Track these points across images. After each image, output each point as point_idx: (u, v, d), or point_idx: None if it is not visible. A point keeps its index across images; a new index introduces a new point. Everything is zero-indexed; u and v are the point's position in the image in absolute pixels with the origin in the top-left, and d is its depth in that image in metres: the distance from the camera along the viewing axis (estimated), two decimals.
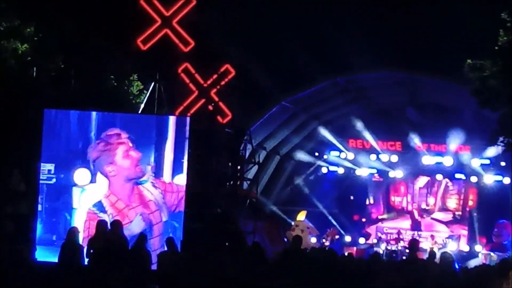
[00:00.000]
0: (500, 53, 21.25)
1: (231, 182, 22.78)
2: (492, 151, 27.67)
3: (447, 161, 30.37)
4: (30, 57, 20.16)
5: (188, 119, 18.66)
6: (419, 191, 32.33)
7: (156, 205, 17.14)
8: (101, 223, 14.28)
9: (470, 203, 31.45)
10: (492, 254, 27.78)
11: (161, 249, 15.55)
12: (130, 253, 13.78)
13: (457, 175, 30.93)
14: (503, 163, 28.59)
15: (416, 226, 31.89)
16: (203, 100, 22.80)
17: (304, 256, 14.48)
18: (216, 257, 15.95)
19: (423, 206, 32.15)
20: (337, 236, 28.96)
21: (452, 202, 31.84)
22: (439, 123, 29.37)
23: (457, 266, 13.98)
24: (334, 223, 31.10)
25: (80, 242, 14.72)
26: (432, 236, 29.65)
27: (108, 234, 13.93)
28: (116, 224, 14.24)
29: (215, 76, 22.89)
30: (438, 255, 14.36)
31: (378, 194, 32.95)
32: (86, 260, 13.92)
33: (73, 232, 14.24)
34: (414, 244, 13.49)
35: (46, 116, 17.69)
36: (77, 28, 21.61)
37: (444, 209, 31.84)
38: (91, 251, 13.75)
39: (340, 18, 24.76)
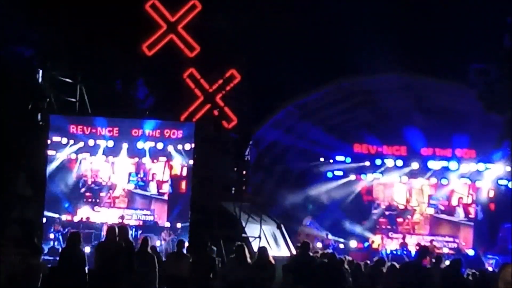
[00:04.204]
0: (505, 57, 21.28)
1: (237, 187, 22.78)
2: (498, 155, 27.63)
3: (452, 166, 30.33)
4: (36, 61, 20.21)
5: (193, 124, 18.69)
6: (424, 195, 32.25)
7: None
8: (111, 229, 14.24)
9: (476, 207, 31.36)
10: (497, 258, 27.71)
11: None
12: (137, 256, 13.84)
13: (462, 180, 30.87)
14: (508, 168, 28.50)
15: (421, 230, 31.83)
16: (208, 106, 22.82)
17: (313, 262, 14.50)
18: (222, 261, 16.02)
19: (429, 210, 32.08)
20: (331, 240, 28.89)
21: (457, 207, 31.75)
22: (445, 127, 29.30)
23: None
24: (339, 228, 31.09)
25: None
26: (438, 241, 29.59)
27: (116, 239, 13.90)
28: (123, 229, 14.25)
29: (220, 81, 22.91)
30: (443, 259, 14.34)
31: (383, 198, 32.89)
32: (94, 264, 13.88)
33: (74, 238, 14.14)
34: (423, 251, 13.45)
35: None
36: (83, 33, 21.66)
37: (449, 213, 31.75)
38: (101, 255, 13.70)
39: (345, 22, 24.77)
